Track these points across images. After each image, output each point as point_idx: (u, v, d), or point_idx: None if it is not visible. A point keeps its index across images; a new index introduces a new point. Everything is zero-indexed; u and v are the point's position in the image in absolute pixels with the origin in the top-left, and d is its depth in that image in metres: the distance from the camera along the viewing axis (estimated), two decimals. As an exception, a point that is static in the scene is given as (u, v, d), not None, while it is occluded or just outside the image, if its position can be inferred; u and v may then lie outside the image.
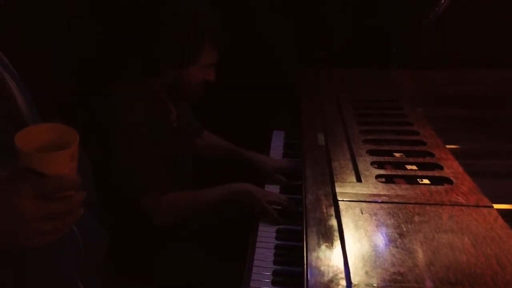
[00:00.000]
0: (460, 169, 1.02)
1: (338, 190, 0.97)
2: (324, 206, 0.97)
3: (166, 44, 1.24)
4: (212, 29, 1.24)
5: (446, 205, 0.89)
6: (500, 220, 0.84)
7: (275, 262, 1.12)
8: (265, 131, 1.85)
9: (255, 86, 1.99)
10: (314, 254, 0.82)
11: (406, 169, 1.06)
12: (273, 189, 1.43)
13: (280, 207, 1.27)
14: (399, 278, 0.70)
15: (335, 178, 1.02)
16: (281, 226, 1.24)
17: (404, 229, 0.82)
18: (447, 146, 1.16)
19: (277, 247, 1.17)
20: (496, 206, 0.89)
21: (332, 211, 0.94)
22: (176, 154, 1.42)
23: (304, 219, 0.93)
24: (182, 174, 1.46)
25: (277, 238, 1.20)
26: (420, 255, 0.75)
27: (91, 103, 1.35)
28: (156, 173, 1.29)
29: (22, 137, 0.54)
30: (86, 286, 0.79)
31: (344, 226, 0.85)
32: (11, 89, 0.71)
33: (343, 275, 0.76)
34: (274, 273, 1.09)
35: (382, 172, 1.03)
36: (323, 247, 0.84)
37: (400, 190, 0.95)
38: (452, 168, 1.03)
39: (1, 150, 0.61)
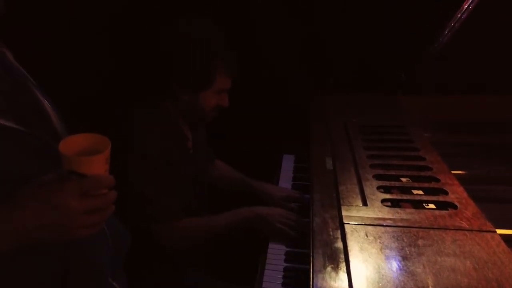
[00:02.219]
0: (465, 194, 1.05)
1: (344, 213, 1.00)
2: (330, 229, 1.00)
3: (179, 69, 1.27)
4: (224, 55, 1.28)
5: (449, 229, 0.92)
6: (503, 245, 0.86)
7: (283, 284, 1.15)
8: (276, 155, 1.90)
9: (266, 111, 2.05)
10: (320, 275, 0.85)
11: (411, 193, 1.09)
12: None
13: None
14: (401, 299, 0.73)
15: (341, 201, 1.05)
16: (289, 249, 1.27)
17: (408, 252, 0.85)
18: (453, 172, 1.19)
19: (285, 269, 1.20)
20: (499, 231, 0.91)
21: (338, 234, 0.97)
22: (192, 180, 1.45)
23: (311, 241, 0.96)
24: (198, 198, 1.49)
25: (286, 260, 1.23)
26: (422, 277, 0.78)
27: (108, 127, 1.41)
28: (170, 201, 1.30)
29: (64, 145, 0.64)
30: (115, 280, 0.86)
31: (349, 249, 0.87)
32: (46, 107, 0.79)
33: (347, 296, 0.78)
34: (282, 294, 1.11)
35: (387, 196, 1.06)
36: (328, 268, 0.86)
37: (404, 214, 0.98)
38: (456, 193, 1.06)
39: (41, 155, 0.72)
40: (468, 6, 1.22)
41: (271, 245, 1.29)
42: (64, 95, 0.95)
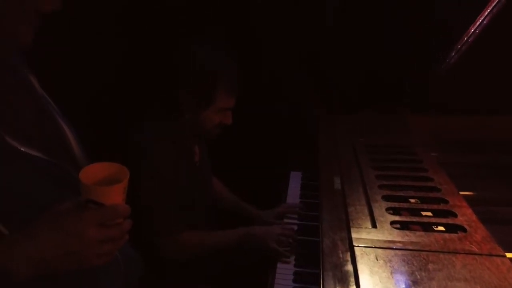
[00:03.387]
0: (474, 217, 1.05)
1: (354, 235, 1.00)
2: (340, 251, 1.00)
3: (183, 88, 1.31)
4: (227, 75, 1.32)
5: (459, 253, 0.92)
6: (513, 270, 0.86)
7: (292, 305, 1.15)
8: (283, 172, 1.91)
9: (273, 129, 2.07)
10: (331, 299, 0.85)
11: (420, 215, 1.09)
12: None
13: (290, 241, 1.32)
14: (413, 326, 0.73)
15: (351, 223, 1.06)
16: (298, 269, 1.27)
17: (418, 276, 0.85)
18: (461, 193, 1.19)
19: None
20: (508, 255, 0.91)
21: (348, 256, 0.98)
22: (197, 191, 1.47)
23: (321, 263, 0.97)
24: (202, 208, 1.52)
25: (294, 280, 1.23)
26: (433, 303, 0.78)
27: (118, 141, 1.42)
28: (174, 215, 1.34)
29: (84, 174, 0.65)
30: None
31: (359, 272, 0.88)
32: (66, 133, 0.81)
33: (358, 321, 0.79)
34: (291, 315, 1.11)
35: (396, 218, 1.07)
36: (339, 292, 0.87)
37: (414, 237, 0.99)
38: (465, 215, 1.06)
39: (62, 183, 0.73)
40: (475, 30, 1.24)
41: (279, 265, 1.29)
42: (66, 100, 0.95)
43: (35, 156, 0.71)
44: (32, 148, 0.71)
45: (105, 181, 0.67)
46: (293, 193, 1.74)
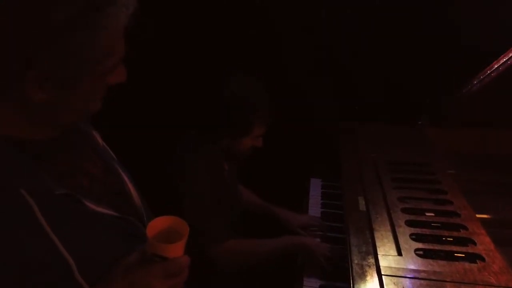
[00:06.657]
0: (492, 246, 1.14)
1: (381, 263, 1.10)
2: (369, 277, 1.10)
3: (224, 121, 1.44)
4: (263, 109, 1.44)
5: (478, 284, 1.02)
6: (529, 304, 0.96)
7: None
8: (303, 178, 1.99)
9: (292, 135, 2.14)
10: (364, 328, 0.95)
11: (442, 242, 1.18)
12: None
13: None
14: None
15: (378, 250, 1.15)
16: (323, 282, 1.38)
17: (442, 308, 0.95)
18: (479, 216, 1.28)
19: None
20: (524, 286, 1.01)
21: (376, 282, 1.07)
22: (227, 203, 1.58)
23: (352, 290, 1.07)
24: (231, 218, 1.62)
25: (321, 295, 1.34)
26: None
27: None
28: (219, 226, 1.44)
29: (149, 229, 0.73)
30: None
31: (389, 302, 0.98)
32: (126, 183, 0.88)
33: None
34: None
35: (420, 245, 1.16)
36: (371, 321, 0.97)
37: (437, 266, 1.08)
38: (484, 244, 1.15)
39: (127, 235, 0.80)
40: (498, 67, 1.30)
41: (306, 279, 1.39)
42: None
43: (107, 214, 0.77)
44: (104, 207, 0.77)
45: (166, 232, 0.75)
46: (314, 202, 1.83)
